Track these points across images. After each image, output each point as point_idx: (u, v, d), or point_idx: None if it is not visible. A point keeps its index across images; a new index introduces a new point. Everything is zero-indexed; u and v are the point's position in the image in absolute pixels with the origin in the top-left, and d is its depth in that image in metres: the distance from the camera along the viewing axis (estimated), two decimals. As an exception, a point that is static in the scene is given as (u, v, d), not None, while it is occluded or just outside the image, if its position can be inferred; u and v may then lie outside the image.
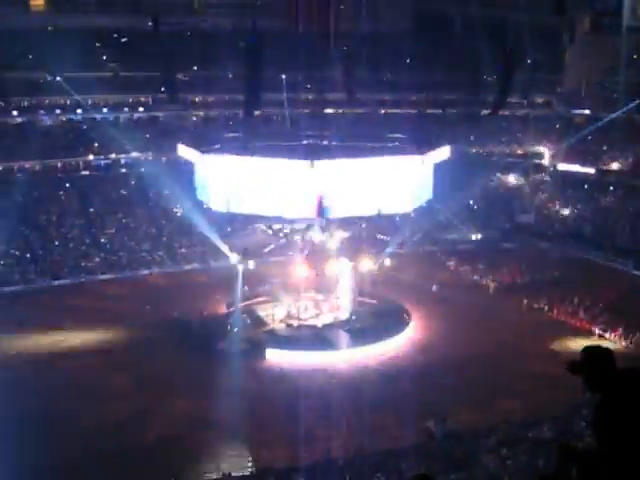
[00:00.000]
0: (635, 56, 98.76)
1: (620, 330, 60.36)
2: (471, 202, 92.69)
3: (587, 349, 6.98)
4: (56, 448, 42.02)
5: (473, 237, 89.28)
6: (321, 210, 57.05)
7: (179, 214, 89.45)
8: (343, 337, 60.86)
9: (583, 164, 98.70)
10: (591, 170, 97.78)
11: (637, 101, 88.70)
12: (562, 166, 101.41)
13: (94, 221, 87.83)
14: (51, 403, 48.48)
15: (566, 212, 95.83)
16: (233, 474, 40.76)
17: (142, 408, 48.26)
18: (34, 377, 51.78)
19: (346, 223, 63.52)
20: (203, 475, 41.20)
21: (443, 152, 64.47)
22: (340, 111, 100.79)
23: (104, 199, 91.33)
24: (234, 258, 66.07)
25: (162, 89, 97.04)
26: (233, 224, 78.86)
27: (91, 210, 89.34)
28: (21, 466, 38.61)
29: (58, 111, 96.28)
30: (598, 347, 7.04)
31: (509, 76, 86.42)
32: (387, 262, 65.54)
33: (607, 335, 60.90)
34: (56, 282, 76.49)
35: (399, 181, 58.82)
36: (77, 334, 61.31)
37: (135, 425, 45.99)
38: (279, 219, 62.15)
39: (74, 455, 41.46)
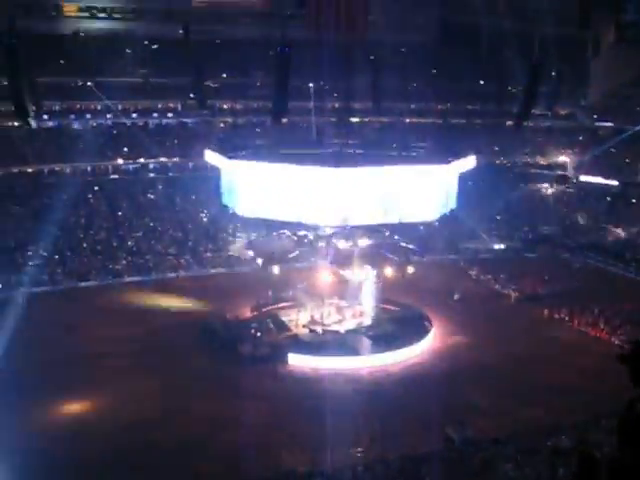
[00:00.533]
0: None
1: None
2: (494, 212, 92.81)
3: (636, 342, 6.88)
4: (80, 447, 42.59)
5: (496, 247, 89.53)
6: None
7: (205, 219, 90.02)
8: (365, 343, 60.68)
9: (606, 176, 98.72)
10: (614, 182, 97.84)
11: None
12: (585, 178, 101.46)
13: (122, 224, 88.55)
14: (76, 403, 49.40)
15: (588, 223, 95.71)
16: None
17: (166, 410, 48.37)
18: (58, 379, 51.89)
19: (370, 230, 63.69)
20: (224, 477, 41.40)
21: (469, 162, 64.39)
22: (366, 120, 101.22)
23: (132, 203, 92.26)
24: (259, 263, 66.26)
25: (191, 95, 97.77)
26: (258, 230, 79.12)
27: (119, 213, 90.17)
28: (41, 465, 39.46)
29: (88, 116, 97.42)
30: None
31: (534, 88, 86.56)
32: (410, 270, 65.63)
33: (626, 346, 60.66)
34: (83, 284, 77.14)
35: (424, 190, 59.04)
36: (103, 335, 61.59)
37: (158, 427, 45.96)
38: (304, 226, 62.55)
39: (97, 455, 41.80)
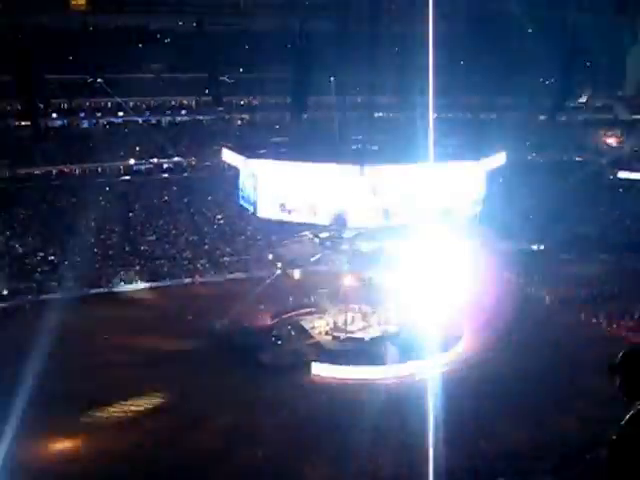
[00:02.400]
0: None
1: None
2: (527, 211, 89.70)
3: (628, 349, 6.49)
4: (96, 457, 42.42)
5: (529, 247, 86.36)
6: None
7: (222, 221, 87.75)
8: (391, 351, 58.44)
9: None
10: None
11: None
12: (623, 174, 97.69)
13: (134, 228, 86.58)
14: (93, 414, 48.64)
15: (627, 222, 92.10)
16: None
17: (185, 421, 47.69)
18: (74, 388, 50.72)
19: (395, 232, 60.82)
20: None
21: (498, 158, 61.88)
22: (390, 114, 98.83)
23: (145, 205, 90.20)
24: (279, 267, 64.23)
25: (206, 91, 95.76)
26: (279, 232, 76.84)
27: (131, 216, 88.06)
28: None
29: (99, 114, 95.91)
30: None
31: (569, 79, 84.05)
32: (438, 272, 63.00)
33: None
34: (94, 290, 74.93)
35: (454, 188, 56.32)
36: (117, 345, 60.18)
37: (178, 439, 45.31)
38: (326, 227, 60.00)
39: (117, 467, 41.22)
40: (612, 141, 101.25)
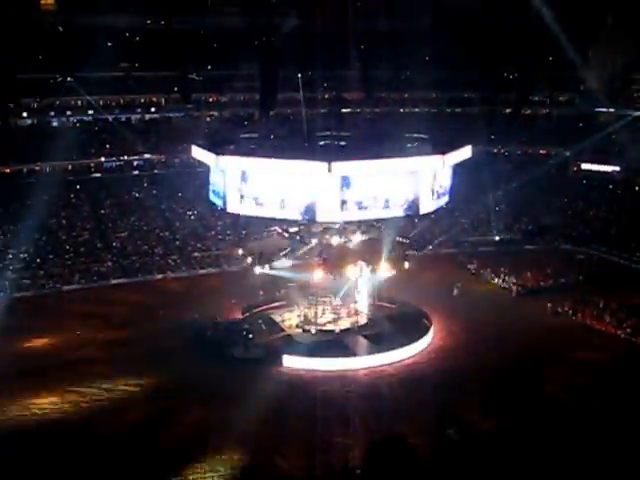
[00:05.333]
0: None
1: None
2: (493, 203, 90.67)
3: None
4: (71, 455, 41.63)
5: (495, 239, 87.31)
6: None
7: (193, 217, 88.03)
8: (361, 343, 59.20)
9: (608, 163, 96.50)
10: (616, 169, 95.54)
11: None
12: (586, 165, 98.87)
13: (106, 225, 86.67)
14: (65, 409, 48.16)
15: (591, 213, 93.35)
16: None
17: (157, 415, 47.11)
18: (47, 384, 51.05)
19: (364, 225, 61.65)
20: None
21: (464, 152, 62.40)
22: (358, 110, 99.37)
23: (116, 202, 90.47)
24: (249, 262, 64.40)
25: (175, 89, 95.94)
26: (248, 227, 77.35)
27: (103, 213, 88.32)
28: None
29: (69, 112, 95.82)
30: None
31: (531, 73, 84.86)
32: (406, 265, 63.58)
33: (635, 339, 59.07)
34: (67, 287, 75.21)
35: (419, 182, 56.82)
36: (90, 341, 60.25)
37: (150, 432, 44.81)
38: (295, 222, 60.49)
39: (88, 462, 40.79)
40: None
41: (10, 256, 77.04)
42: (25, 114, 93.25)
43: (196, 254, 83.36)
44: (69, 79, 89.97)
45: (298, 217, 56.76)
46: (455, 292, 71.07)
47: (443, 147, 58.29)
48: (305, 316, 62.97)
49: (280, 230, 64.30)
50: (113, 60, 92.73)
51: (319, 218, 56.85)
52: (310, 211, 55.24)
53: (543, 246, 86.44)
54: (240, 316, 65.45)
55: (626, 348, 58.12)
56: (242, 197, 57.08)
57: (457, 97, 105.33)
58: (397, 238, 64.35)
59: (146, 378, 52.94)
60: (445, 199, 60.65)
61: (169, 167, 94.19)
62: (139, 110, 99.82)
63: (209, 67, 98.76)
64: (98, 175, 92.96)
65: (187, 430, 45.24)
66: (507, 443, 41.87)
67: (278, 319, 63.83)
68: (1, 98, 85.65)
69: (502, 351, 56.64)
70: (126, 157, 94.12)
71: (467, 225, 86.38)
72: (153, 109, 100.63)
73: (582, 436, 42.38)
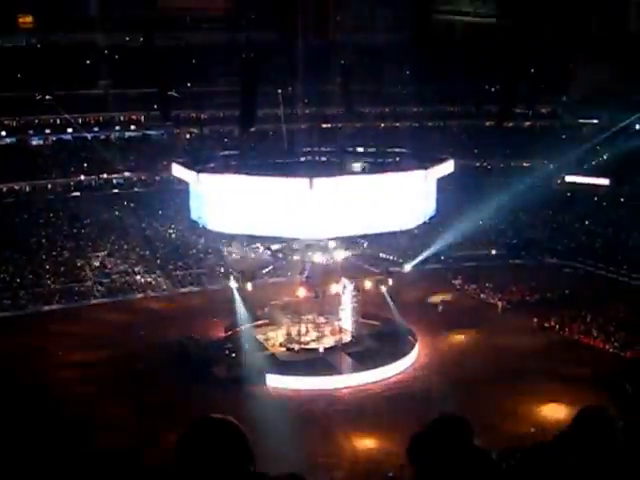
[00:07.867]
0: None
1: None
2: (476, 217, 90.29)
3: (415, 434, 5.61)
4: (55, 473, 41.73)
5: (480, 253, 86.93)
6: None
7: (174, 235, 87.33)
8: (346, 361, 58.91)
9: (593, 176, 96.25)
10: (604, 182, 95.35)
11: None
12: (570, 178, 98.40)
13: (86, 243, 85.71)
14: (46, 433, 46.95)
15: (575, 226, 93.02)
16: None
17: (139, 437, 46.48)
18: (28, 407, 49.97)
19: (347, 242, 61.12)
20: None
21: (447, 166, 62.23)
22: (339, 125, 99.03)
23: (96, 221, 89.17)
24: (231, 280, 63.97)
25: (155, 106, 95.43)
26: (230, 245, 76.90)
27: (83, 232, 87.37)
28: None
29: (48, 130, 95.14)
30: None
31: (513, 86, 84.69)
32: (390, 282, 63.17)
33: (623, 354, 58.71)
34: (47, 307, 74.51)
35: (401, 197, 56.61)
36: (70, 362, 59.40)
37: (133, 455, 44.06)
38: (277, 239, 60.19)
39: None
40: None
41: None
42: (4, 133, 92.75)
43: (177, 272, 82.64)
44: (48, 97, 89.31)
45: (281, 234, 56.61)
46: (440, 308, 70.40)
47: (426, 162, 58.31)
48: (289, 334, 62.58)
49: (262, 248, 64.14)
50: (92, 78, 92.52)
51: (301, 235, 56.68)
52: (292, 228, 55.11)
53: (528, 260, 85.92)
54: (223, 335, 64.92)
55: (614, 362, 57.63)
56: (222, 215, 56.91)
57: (440, 111, 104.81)
58: (380, 254, 64.20)
59: (126, 400, 52.10)
60: (429, 214, 60.50)
61: (149, 185, 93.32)
62: (118, 128, 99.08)
63: (188, 84, 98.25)
64: (77, 194, 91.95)
65: (163, 454, 44.55)
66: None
67: (261, 338, 63.26)
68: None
69: (487, 367, 56.22)
70: (105, 175, 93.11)
71: (451, 240, 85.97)
72: (132, 127, 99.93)
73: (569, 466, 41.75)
